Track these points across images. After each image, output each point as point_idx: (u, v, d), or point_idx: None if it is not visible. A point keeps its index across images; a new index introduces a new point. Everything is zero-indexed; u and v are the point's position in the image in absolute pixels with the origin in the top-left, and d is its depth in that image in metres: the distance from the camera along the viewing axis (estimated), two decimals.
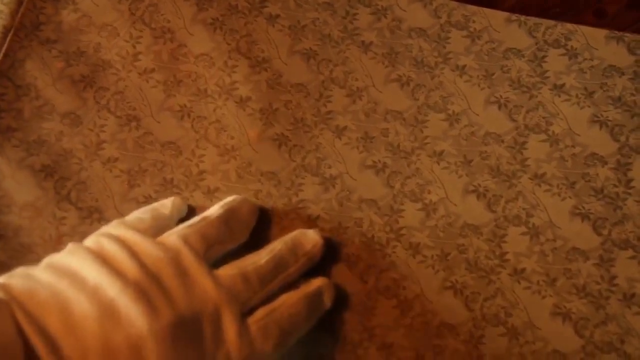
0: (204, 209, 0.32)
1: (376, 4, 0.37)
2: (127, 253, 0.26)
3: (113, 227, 0.28)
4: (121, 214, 0.34)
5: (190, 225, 0.29)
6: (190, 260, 0.27)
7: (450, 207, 0.34)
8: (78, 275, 0.24)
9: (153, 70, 0.36)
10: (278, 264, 0.29)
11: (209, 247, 0.29)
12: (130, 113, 0.35)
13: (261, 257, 0.29)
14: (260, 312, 0.28)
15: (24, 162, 0.34)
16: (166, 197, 0.34)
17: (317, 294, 0.30)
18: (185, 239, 0.28)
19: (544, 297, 0.32)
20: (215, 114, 0.36)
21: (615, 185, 0.34)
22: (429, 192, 0.34)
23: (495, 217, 0.34)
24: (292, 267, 0.30)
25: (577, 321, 0.32)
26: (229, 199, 0.32)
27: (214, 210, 0.31)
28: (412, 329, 0.32)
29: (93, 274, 0.24)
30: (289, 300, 0.29)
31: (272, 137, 0.35)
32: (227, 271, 0.28)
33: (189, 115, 0.36)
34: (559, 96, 0.35)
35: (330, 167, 0.35)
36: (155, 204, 0.32)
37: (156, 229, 0.30)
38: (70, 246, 0.27)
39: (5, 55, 0.36)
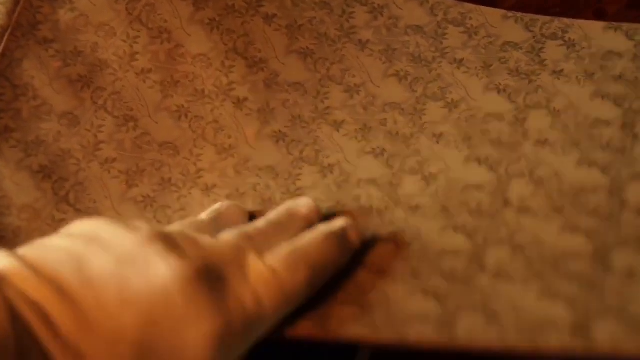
0: None
1: (372, 2, 0.38)
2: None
3: None
4: (119, 215, 0.34)
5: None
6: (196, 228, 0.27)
7: (451, 174, 0.34)
8: (93, 234, 0.24)
9: (150, 70, 0.36)
10: (277, 228, 0.28)
11: None
12: (128, 113, 0.35)
13: (258, 222, 0.28)
14: (284, 249, 0.26)
15: (22, 163, 0.34)
16: (164, 196, 0.34)
17: (342, 233, 0.29)
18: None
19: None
20: (212, 114, 0.36)
21: None
22: (429, 166, 0.34)
23: (498, 176, 0.33)
24: (292, 230, 0.29)
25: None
26: (217, 205, 0.32)
27: (203, 215, 0.31)
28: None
29: (109, 231, 0.24)
30: (313, 238, 0.27)
31: (270, 135, 0.35)
32: (228, 234, 0.27)
33: (186, 116, 0.36)
34: (559, 79, 0.35)
35: (328, 156, 0.35)
36: None
37: None
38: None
39: (3, 54, 0.36)
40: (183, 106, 0.36)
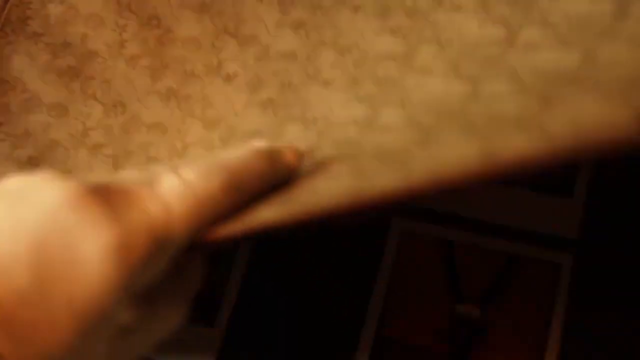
0: None
1: None
2: None
3: None
4: None
5: None
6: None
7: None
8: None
9: (139, 56, 0.35)
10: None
11: None
12: (117, 99, 0.34)
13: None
14: (202, 162, 0.24)
15: (10, 155, 0.34)
16: None
17: (275, 150, 0.26)
18: None
19: None
20: (201, 92, 0.34)
21: None
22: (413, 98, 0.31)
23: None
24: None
25: None
26: None
27: None
28: None
29: (14, 181, 0.22)
30: (238, 152, 0.25)
31: (258, 103, 0.33)
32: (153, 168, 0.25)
33: (175, 96, 0.34)
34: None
35: (314, 112, 0.32)
36: None
37: None
38: None
39: None
40: (172, 88, 0.34)
